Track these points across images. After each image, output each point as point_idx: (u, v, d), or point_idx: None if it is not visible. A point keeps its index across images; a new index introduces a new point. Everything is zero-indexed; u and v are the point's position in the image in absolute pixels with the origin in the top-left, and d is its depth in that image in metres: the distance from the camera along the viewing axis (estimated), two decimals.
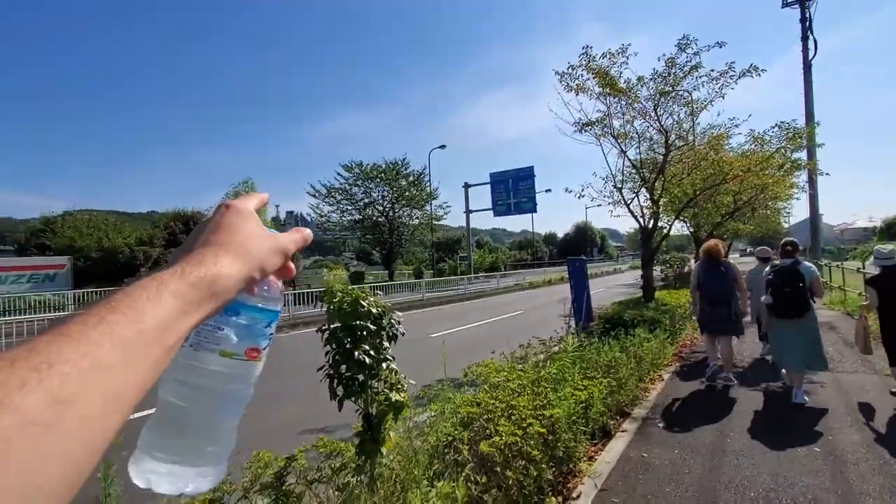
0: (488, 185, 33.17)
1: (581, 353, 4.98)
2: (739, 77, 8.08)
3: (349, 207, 27.73)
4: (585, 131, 9.23)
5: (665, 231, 9.90)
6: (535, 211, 31.07)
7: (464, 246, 67.75)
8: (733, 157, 11.88)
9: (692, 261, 17.21)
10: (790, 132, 8.63)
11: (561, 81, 8.77)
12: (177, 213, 26.45)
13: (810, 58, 17.94)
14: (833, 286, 13.35)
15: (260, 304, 0.46)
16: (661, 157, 9.00)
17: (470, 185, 34.70)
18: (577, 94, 8.76)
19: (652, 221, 9.09)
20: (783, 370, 5.34)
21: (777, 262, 5.28)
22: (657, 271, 12.14)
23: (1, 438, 0.22)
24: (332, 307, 2.36)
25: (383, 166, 27.53)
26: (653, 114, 8.86)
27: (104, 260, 22.97)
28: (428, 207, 29.60)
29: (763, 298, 5.13)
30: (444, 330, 11.30)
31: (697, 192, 9.44)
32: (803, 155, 15.83)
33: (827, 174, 8.63)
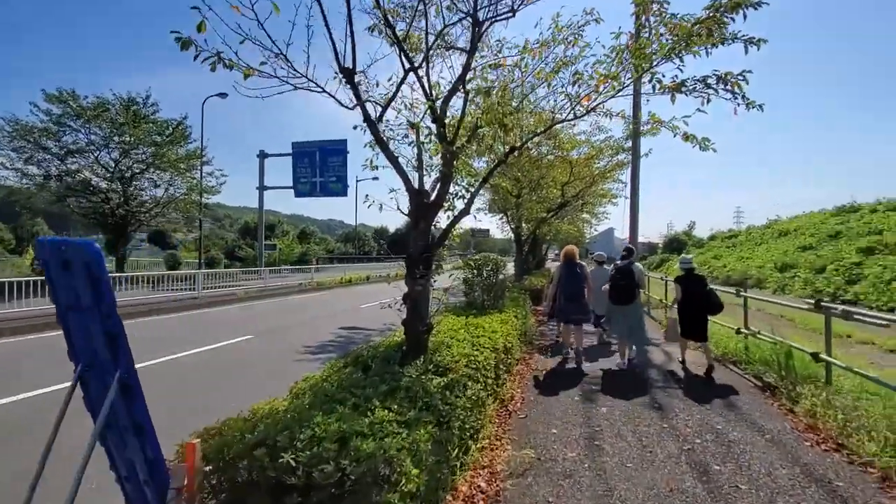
0: (291, 158, 26.41)
1: None
2: None
3: (48, 157, 17.78)
4: None
5: (462, 209, 4.99)
6: (345, 194, 25.43)
7: (277, 232, 58.62)
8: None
9: (510, 265, 13.44)
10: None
11: None
12: None
13: None
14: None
15: None
16: (465, 53, 4.14)
17: (267, 155, 27.39)
18: None
19: (439, 185, 4.19)
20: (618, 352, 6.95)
21: (618, 262, 6.90)
22: (440, 283, 7.34)
23: None
24: None
25: (115, 103, 18.46)
26: None
27: None
28: (197, 174, 21.35)
29: (603, 288, 6.85)
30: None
31: (539, 130, 4.96)
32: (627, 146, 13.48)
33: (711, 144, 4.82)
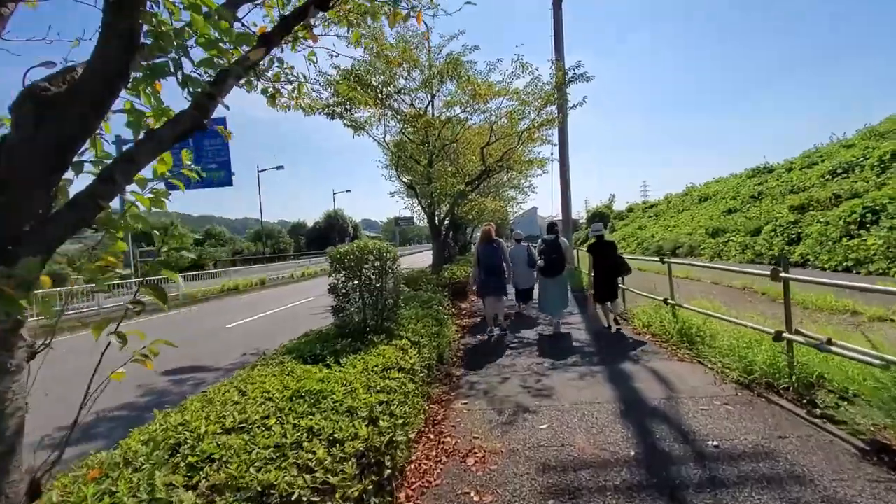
0: None
1: None
2: None
3: None
4: None
5: (183, 112, 1.99)
6: (230, 182, 21.15)
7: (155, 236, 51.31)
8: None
9: (426, 255, 10.52)
10: None
11: None
12: None
13: None
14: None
15: None
16: None
17: (127, 142, 22.09)
18: None
19: (100, 37, 1.16)
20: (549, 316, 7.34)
21: (546, 237, 7.20)
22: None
23: None
24: None
25: None
26: None
27: None
28: None
29: (539, 262, 7.12)
30: None
31: None
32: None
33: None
